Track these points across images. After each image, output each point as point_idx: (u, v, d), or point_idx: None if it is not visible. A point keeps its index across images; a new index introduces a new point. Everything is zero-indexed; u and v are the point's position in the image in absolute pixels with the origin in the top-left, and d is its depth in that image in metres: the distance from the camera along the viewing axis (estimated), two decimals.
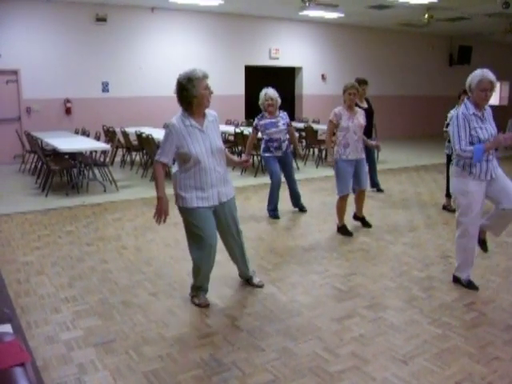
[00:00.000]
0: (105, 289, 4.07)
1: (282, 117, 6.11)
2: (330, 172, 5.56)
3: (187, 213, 3.54)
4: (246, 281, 4.10)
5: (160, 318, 3.53)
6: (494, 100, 18.85)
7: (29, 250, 5.09)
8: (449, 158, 6.09)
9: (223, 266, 4.34)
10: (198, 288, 3.76)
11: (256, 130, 6.20)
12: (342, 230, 5.53)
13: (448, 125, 5.18)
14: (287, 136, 6.18)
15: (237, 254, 3.92)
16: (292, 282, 4.17)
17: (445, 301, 3.78)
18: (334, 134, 5.52)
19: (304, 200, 6.60)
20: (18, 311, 3.61)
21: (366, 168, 5.73)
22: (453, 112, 5.71)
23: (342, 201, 5.46)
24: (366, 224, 5.84)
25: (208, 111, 3.58)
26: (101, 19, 11.34)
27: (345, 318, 3.51)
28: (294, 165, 7.54)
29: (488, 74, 3.68)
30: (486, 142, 3.69)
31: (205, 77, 3.44)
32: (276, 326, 3.40)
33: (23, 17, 10.58)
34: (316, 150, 11.05)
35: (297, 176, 6.60)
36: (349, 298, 3.84)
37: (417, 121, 17.32)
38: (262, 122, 6.08)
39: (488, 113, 3.85)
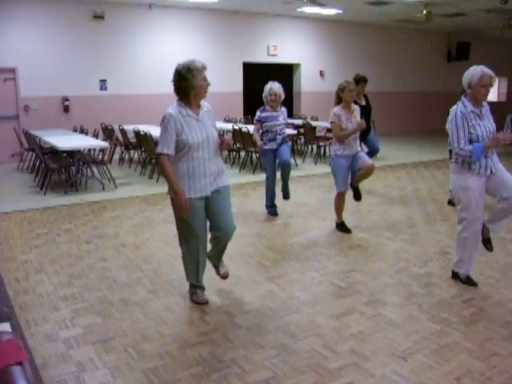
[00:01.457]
0: (104, 287, 4.07)
1: (283, 112, 6.13)
2: (329, 169, 5.55)
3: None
4: (214, 266, 3.88)
5: (159, 316, 3.53)
6: (493, 96, 18.83)
7: (27, 248, 5.09)
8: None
9: None
10: (196, 285, 3.75)
11: (259, 121, 6.09)
12: (341, 226, 5.54)
13: None
14: (285, 131, 6.16)
15: (220, 243, 3.69)
16: (291, 279, 4.17)
17: (444, 297, 3.78)
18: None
19: (303, 197, 6.59)
20: (16, 309, 3.61)
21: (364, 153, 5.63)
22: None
23: (340, 197, 5.46)
24: (357, 194, 5.67)
25: (202, 102, 3.57)
26: (98, 16, 11.33)
27: (344, 314, 3.51)
28: (293, 161, 7.51)
29: (487, 69, 3.72)
30: (484, 138, 3.71)
31: (204, 68, 3.44)
32: (275, 322, 3.40)
33: (20, 14, 10.55)
34: (314, 147, 11.05)
35: (295, 173, 6.60)
36: (348, 295, 3.84)
37: (415, 117, 17.32)
38: (264, 115, 6.06)
39: (486, 109, 3.86)
